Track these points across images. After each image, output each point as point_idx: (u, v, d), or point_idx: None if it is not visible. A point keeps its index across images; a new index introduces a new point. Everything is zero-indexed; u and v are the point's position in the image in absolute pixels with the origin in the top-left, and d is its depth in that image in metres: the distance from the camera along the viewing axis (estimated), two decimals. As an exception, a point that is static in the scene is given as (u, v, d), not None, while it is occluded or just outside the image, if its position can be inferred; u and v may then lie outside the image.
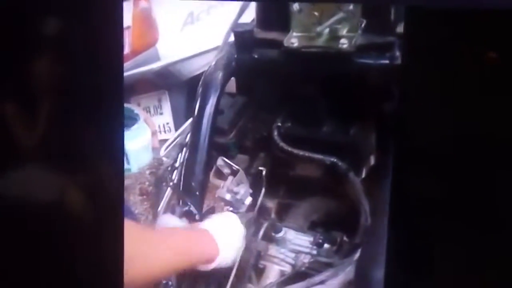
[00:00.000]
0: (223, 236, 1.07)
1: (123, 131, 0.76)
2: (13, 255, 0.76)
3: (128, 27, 1.96)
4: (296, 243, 1.23)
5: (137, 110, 1.19)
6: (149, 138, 1.14)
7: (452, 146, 0.69)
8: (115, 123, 0.76)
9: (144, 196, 2.45)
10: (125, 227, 0.78)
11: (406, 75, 0.70)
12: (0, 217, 0.76)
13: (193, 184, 1.24)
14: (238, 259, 1.11)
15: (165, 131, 2.07)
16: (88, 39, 0.71)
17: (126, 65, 2.00)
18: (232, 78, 1.35)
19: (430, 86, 0.67)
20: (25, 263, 0.77)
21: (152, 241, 0.98)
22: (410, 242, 0.74)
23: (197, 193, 1.23)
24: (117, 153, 0.77)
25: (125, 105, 1.81)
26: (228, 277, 1.14)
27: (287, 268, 1.19)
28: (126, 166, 1.07)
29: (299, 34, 1.14)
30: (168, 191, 1.33)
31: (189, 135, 1.33)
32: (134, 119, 1.11)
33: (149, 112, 2.13)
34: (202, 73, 1.34)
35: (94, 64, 0.73)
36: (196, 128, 1.28)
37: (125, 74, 2.03)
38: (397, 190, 0.75)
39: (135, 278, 0.85)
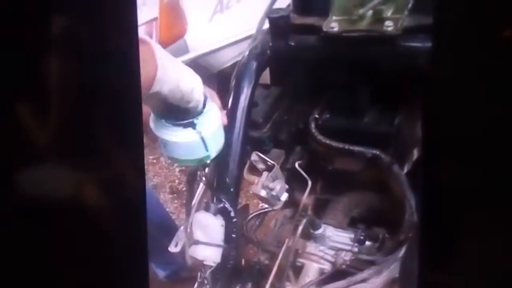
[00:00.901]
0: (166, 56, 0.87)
1: (141, 126, 0.71)
2: (37, 251, 0.75)
3: (156, 19, 1.94)
4: (335, 240, 1.20)
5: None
6: (219, 116, 1.11)
7: (487, 133, 0.64)
8: (133, 117, 0.74)
9: (175, 195, 2.45)
10: None
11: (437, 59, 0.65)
12: (26, 214, 0.75)
13: (227, 180, 1.20)
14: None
15: None
16: (103, 32, 0.69)
17: None
18: (266, 68, 1.30)
19: (462, 72, 0.62)
20: (47, 259, 0.76)
21: None
22: (444, 237, 0.70)
23: (232, 189, 1.20)
24: (137, 149, 0.75)
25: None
26: (266, 276, 1.10)
27: (327, 266, 1.17)
28: (205, 154, 1.06)
29: (339, 17, 1.09)
30: (201, 188, 1.30)
31: None
32: (204, 103, 1.09)
33: None
34: (233, 65, 1.29)
35: (109, 58, 0.71)
36: (229, 121, 1.23)
37: None
38: (428, 182, 0.71)
39: None
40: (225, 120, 1.14)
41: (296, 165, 1.24)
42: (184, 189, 2.31)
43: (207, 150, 1.08)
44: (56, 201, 0.75)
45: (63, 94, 0.72)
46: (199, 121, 1.06)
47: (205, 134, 1.06)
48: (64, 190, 0.74)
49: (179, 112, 1.06)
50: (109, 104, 0.70)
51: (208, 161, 1.10)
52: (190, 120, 1.06)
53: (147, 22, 1.95)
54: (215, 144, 1.09)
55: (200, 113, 1.08)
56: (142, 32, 1.97)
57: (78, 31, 0.69)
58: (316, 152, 1.26)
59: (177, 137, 1.05)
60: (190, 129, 1.06)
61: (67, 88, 0.72)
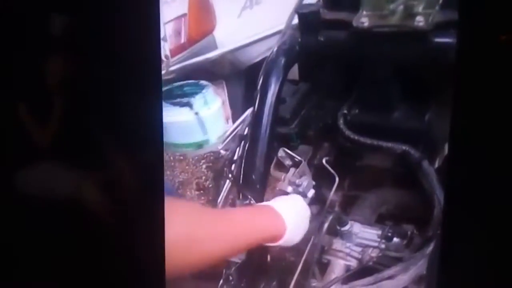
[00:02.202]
0: (290, 212, 1.03)
1: (162, 121, 0.75)
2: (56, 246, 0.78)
3: (185, 15, 1.95)
4: (362, 237, 1.20)
5: (202, 81, 1.16)
6: (220, 105, 1.11)
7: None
8: (155, 110, 0.75)
9: (201, 191, 2.45)
10: (185, 208, 0.81)
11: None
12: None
13: (253, 177, 1.21)
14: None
15: None
16: (124, 32, 0.71)
17: (182, 55, 2.00)
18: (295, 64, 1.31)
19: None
20: (68, 254, 0.78)
21: (214, 219, 0.94)
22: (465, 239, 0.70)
23: (258, 186, 1.20)
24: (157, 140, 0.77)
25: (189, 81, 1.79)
26: (291, 272, 1.11)
27: (353, 263, 1.16)
28: (203, 137, 1.05)
29: (370, 12, 1.10)
30: (227, 185, 1.32)
31: (248, 126, 1.31)
32: (202, 87, 1.09)
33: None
34: (261, 61, 1.30)
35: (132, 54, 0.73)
36: (257, 118, 1.24)
37: (181, 64, 2.03)
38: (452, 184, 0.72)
39: (201, 259, 0.84)
40: (227, 112, 1.15)
41: (324, 161, 1.25)
42: (210, 185, 2.32)
43: (205, 133, 1.06)
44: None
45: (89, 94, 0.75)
46: (196, 100, 1.05)
47: (203, 114, 1.05)
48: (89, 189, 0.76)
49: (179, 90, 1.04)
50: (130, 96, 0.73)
51: (209, 147, 1.08)
52: (187, 99, 1.05)
53: (176, 18, 1.96)
54: (215, 128, 1.09)
55: (198, 92, 1.06)
56: (171, 29, 1.99)
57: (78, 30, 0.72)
58: (344, 148, 1.27)
59: (172, 117, 1.06)
60: (186, 108, 1.05)
61: (91, 86, 0.74)
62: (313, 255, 1.15)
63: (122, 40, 0.70)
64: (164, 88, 1.19)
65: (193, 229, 0.79)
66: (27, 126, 0.74)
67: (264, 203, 1.09)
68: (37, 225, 0.76)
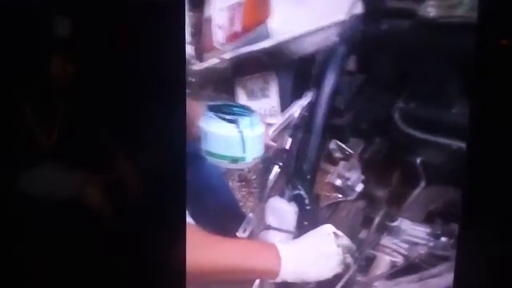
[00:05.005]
0: (291, 251, 1.04)
1: (185, 129, 0.82)
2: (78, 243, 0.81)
3: (240, 3, 1.95)
4: (411, 234, 1.19)
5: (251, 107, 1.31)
6: (263, 131, 1.23)
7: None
8: (177, 118, 0.80)
9: (243, 183, 2.46)
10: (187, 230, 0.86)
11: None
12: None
13: (304, 167, 1.23)
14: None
15: (270, 115, 2.05)
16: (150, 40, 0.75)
17: (235, 43, 2.00)
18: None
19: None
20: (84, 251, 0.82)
21: (210, 244, 1.02)
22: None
23: (308, 176, 1.22)
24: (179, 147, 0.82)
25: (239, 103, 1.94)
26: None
27: (399, 260, 1.16)
28: (241, 154, 1.19)
29: (437, 2, 1.08)
30: (275, 173, 1.32)
31: (300, 117, 1.32)
32: (251, 112, 1.23)
33: (254, 95, 2.11)
34: (315, 52, 1.31)
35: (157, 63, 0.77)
36: (311, 109, 1.26)
37: (233, 54, 2.03)
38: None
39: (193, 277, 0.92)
40: (267, 140, 1.25)
41: (375, 155, 1.24)
42: (253, 177, 2.33)
43: (244, 151, 1.16)
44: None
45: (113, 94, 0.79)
46: (243, 121, 1.16)
47: (246, 134, 1.15)
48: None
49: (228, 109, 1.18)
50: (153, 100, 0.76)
51: (242, 164, 1.19)
52: (235, 117, 1.17)
53: (232, 5, 1.97)
54: (253, 150, 1.18)
55: (246, 115, 1.19)
56: (226, 16, 1.99)
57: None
58: (397, 143, 1.26)
59: (218, 129, 1.15)
60: (233, 125, 1.16)
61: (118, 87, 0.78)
62: (359, 249, 1.13)
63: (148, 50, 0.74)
64: (214, 103, 1.27)
65: (189, 250, 0.85)
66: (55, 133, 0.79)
67: (269, 243, 1.12)
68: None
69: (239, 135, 1.16)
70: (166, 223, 0.83)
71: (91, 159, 0.80)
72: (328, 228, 1.08)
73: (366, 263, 1.17)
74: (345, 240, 1.07)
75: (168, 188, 0.80)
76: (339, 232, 1.07)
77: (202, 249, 0.97)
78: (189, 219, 1.01)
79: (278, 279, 1.03)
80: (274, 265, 1.02)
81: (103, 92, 0.77)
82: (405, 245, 1.16)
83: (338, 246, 1.04)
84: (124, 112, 0.77)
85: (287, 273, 1.02)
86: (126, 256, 0.84)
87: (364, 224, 1.21)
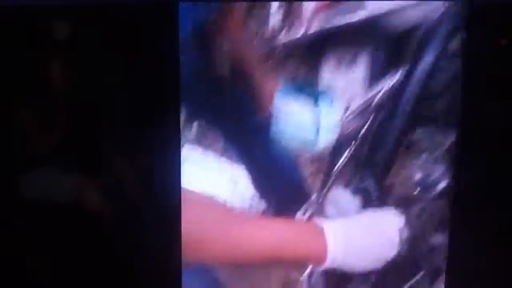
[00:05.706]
0: (341, 237, 1.03)
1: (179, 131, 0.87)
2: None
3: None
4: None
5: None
6: (340, 116, 1.20)
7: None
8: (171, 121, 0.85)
9: (314, 160, 2.39)
10: (204, 204, 0.89)
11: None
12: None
13: (378, 157, 1.17)
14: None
15: (352, 95, 1.97)
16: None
17: (325, 13, 1.92)
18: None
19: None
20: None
21: (231, 222, 1.00)
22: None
23: (381, 168, 1.16)
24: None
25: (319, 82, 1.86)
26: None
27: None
28: (312, 137, 1.18)
29: None
30: (344, 159, 1.23)
31: (383, 98, 1.25)
32: (331, 93, 1.21)
33: (340, 70, 2.04)
34: (414, 27, 1.28)
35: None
36: (399, 90, 1.19)
37: (323, 27, 1.95)
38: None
39: (212, 257, 0.93)
40: (343, 125, 1.17)
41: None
42: (325, 158, 2.26)
43: (316, 136, 1.13)
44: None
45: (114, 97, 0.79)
46: (323, 109, 1.14)
47: (323, 122, 1.13)
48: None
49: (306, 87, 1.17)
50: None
51: (309, 148, 1.16)
52: (313, 98, 1.15)
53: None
54: (325, 138, 1.14)
55: (325, 96, 1.17)
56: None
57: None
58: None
59: (297, 108, 1.13)
60: (308, 106, 1.14)
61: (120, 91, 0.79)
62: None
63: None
64: (293, 79, 1.24)
65: (206, 227, 0.85)
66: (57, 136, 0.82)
67: (315, 222, 1.10)
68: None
69: (314, 120, 1.14)
70: (162, 223, 0.84)
71: (89, 162, 0.81)
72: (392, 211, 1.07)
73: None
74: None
75: (164, 189, 0.81)
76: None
77: (222, 226, 0.95)
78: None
79: (327, 265, 1.00)
80: (319, 249, 1.00)
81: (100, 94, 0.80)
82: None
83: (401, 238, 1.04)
84: (122, 113, 0.80)
85: (335, 258, 1.00)
86: (124, 257, 0.86)
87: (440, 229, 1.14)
